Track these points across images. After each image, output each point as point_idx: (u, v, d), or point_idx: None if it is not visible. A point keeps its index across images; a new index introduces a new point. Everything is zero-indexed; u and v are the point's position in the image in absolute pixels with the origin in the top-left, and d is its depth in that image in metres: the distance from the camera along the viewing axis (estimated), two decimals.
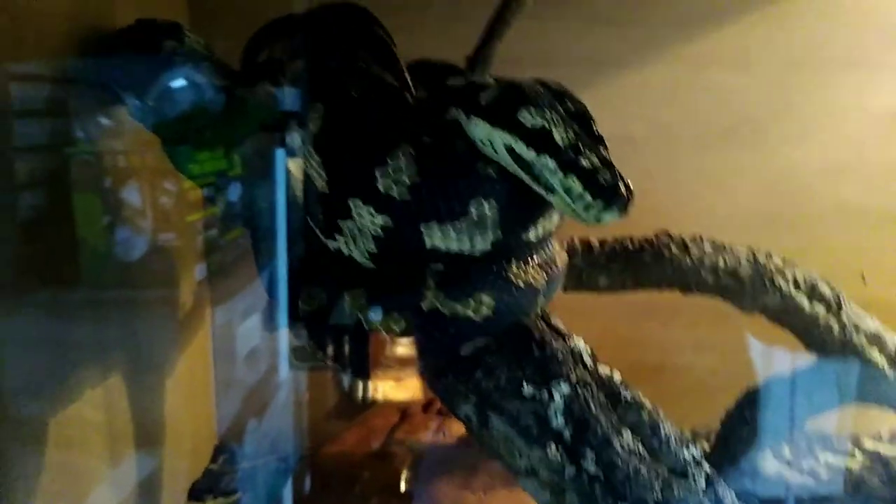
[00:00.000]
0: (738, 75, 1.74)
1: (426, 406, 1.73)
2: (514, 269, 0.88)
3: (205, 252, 1.73)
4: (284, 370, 1.81)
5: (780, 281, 1.36)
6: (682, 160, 1.76)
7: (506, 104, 0.82)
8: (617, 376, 0.91)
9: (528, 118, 0.80)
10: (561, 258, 0.95)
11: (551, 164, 0.79)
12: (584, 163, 0.78)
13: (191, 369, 1.63)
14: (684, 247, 1.37)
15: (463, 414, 0.91)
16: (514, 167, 0.82)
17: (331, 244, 0.89)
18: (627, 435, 0.83)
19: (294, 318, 0.95)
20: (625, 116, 1.72)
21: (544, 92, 0.84)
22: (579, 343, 0.93)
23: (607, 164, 0.79)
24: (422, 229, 0.82)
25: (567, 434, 0.83)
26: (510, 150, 0.81)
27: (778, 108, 1.75)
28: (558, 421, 0.84)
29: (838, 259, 1.75)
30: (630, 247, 1.39)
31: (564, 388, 0.85)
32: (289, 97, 0.92)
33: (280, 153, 0.97)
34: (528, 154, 0.80)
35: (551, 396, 0.85)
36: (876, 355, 1.38)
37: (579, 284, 1.36)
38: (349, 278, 0.90)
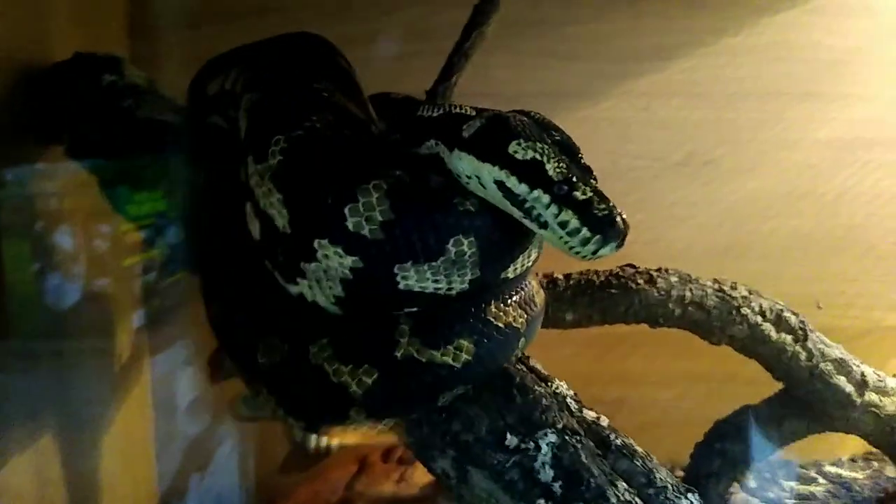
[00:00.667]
0: (691, 109, 1.75)
1: (386, 454, 1.64)
2: (494, 310, 0.82)
3: (143, 298, 1.63)
4: (230, 422, 1.71)
5: (746, 311, 1.35)
6: (638, 193, 1.76)
7: (493, 137, 0.78)
8: (604, 421, 0.86)
9: (519, 151, 0.76)
10: (540, 296, 0.90)
11: (545, 198, 0.75)
12: (579, 195, 0.75)
13: (128, 424, 1.53)
14: (651, 279, 1.35)
15: (440, 469, 0.84)
16: (503, 202, 0.78)
17: (291, 289, 0.82)
18: (622, 486, 0.78)
19: (251, 371, 0.86)
20: (581, 150, 1.71)
21: (530, 123, 0.79)
22: (562, 386, 0.87)
23: (601, 196, 0.76)
24: (395, 270, 0.75)
25: (557, 488, 0.77)
26: (500, 185, 0.77)
27: (730, 140, 1.77)
28: (547, 474, 0.78)
29: (794, 286, 1.78)
30: (596, 281, 1.36)
31: (552, 436, 0.80)
32: (244, 130, 0.85)
33: (234, 190, 0.90)
34: (520, 188, 0.76)
35: (538, 447, 0.79)
36: (843, 382, 1.37)
37: (545, 321, 1.31)
38: (311, 327, 0.83)
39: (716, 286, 1.36)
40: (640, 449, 0.84)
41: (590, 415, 0.86)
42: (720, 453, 1.48)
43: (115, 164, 1.09)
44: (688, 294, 1.34)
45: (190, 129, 1.08)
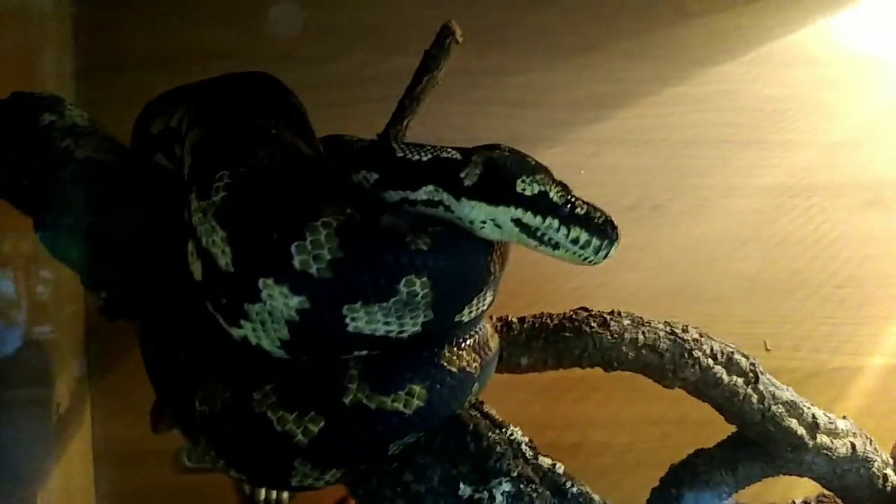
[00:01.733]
0: (638, 155, 1.79)
1: None
2: (447, 353, 0.80)
3: (85, 345, 1.56)
4: (174, 473, 1.63)
5: (698, 354, 1.35)
6: None
7: (499, 180, 0.82)
8: (560, 468, 0.83)
9: (527, 187, 0.82)
10: (494, 340, 0.88)
11: (555, 223, 0.81)
12: (579, 211, 0.82)
13: (68, 478, 1.46)
14: (604, 322, 1.34)
15: None
16: (519, 237, 0.83)
17: (234, 332, 0.78)
18: None
19: (188, 420, 0.81)
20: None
21: (516, 157, 0.83)
22: (517, 433, 0.85)
23: (591, 205, 0.83)
24: (344, 311, 0.72)
25: None
26: (517, 222, 0.82)
27: (677, 186, 1.81)
28: None
29: (742, 328, 1.81)
30: (550, 324, 1.34)
31: (506, 485, 0.77)
32: (187, 167, 0.82)
33: (176, 230, 0.86)
34: (535, 221, 0.81)
35: (492, 496, 0.77)
36: (795, 425, 1.37)
37: (500, 366, 1.29)
38: (255, 372, 0.79)
39: (667, 329, 1.36)
40: (597, 497, 0.82)
41: (545, 462, 0.84)
42: (676, 499, 1.46)
43: (52, 206, 1.04)
44: (640, 337, 1.33)
45: (133, 169, 1.04)
